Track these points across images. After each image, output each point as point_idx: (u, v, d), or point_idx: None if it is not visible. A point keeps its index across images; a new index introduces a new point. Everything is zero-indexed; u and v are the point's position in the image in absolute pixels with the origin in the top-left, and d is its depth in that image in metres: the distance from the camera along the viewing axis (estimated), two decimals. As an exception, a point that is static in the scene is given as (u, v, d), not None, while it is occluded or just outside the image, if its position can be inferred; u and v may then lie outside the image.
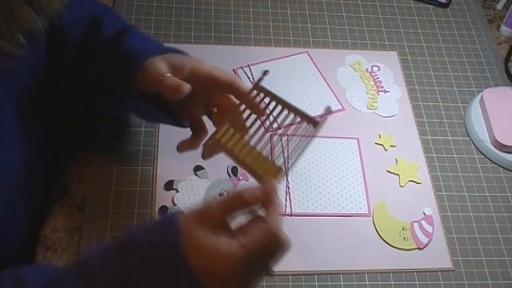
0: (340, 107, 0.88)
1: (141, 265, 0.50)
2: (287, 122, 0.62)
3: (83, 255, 0.53)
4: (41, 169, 0.71)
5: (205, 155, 0.65)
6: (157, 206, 0.74)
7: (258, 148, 0.59)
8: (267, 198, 0.53)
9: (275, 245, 0.52)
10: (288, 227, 0.75)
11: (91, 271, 0.51)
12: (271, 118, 0.64)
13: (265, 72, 0.63)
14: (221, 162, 0.79)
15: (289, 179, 0.79)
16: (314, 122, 0.61)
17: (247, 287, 0.53)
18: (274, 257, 0.53)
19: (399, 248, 0.75)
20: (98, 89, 0.69)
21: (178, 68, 0.64)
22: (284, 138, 0.82)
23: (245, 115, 0.64)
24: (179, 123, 0.70)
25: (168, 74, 0.63)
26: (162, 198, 0.75)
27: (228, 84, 0.65)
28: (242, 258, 0.50)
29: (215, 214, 0.52)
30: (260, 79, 0.62)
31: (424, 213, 0.79)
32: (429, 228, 0.77)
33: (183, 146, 0.69)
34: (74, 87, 0.71)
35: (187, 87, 0.62)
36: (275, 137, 0.83)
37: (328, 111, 0.63)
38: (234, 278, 0.50)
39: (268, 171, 0.58)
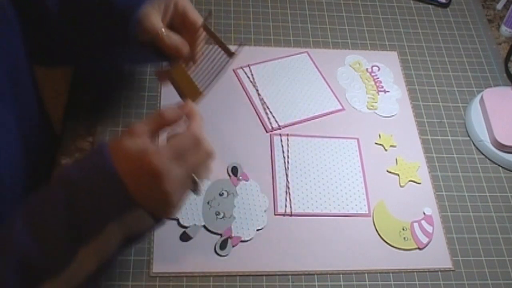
0: (340, 107, 0.88)
1: (81, 193, 0.53)
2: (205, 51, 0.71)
3: (25, 208, 0.55)
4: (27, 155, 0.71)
5: (159, 80, 0.73)
6: (157, 206, 0.74)
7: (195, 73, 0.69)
8: (188, 113, 0.59)
9: (197, 147, 0.57)
10: (288, 227, 0.75)
11: (37, 219, 0.53)
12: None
13: (210, 13, 0.73)
14: (221, 162, 0.79)
15: (289, 179, 0.79)
16: (230, 53, 0.68)
17: (174, 194, 0.55)
18: (198, 164, 0.57)
19: (399, 248, 0.75)
20: (96, 43, 0.71)
21: (166, 9, 0.69)
22: (284, 137, 0.83)
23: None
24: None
25: (164, 30, 0.68)
26: (162, 198, 0.75)
27: (191, 23, 0.70)
28: (165, 153, 0.54)
29: (140, 129, 0.56)
30: (206, 18, 0.70)
31: (424, 213, 0.79)
32: (429, 228, 0.77)
33: (159, 74, 0.73)
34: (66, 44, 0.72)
35: (186, 48, 0.69)
36: (275, 137, 0.83)
37: (241, 43, 0.70)
38: (160, 177, 0.53)
39: (191, 93, 0.67)
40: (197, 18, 0.70)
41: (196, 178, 0.57)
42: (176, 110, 0.59)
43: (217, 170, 0.78)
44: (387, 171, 0.82)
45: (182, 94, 0.68)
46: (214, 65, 0.68)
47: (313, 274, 0.72)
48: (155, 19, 0.68)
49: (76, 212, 0.53)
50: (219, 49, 0.69)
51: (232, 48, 0.92)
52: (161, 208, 0.56)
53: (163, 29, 0.68)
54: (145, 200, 0.54)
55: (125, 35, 0.67)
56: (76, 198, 0.53)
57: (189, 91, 0.67)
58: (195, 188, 0.58)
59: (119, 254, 0.57)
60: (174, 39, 0.68)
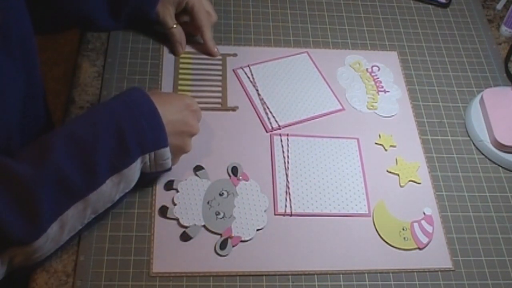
0: (340, 107, 0.88)
1: (128, 125, 0.64)
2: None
3: (68, 130, 0.64)
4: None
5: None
6: (157, 206, 0.74)
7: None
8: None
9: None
10: (288, 227, 0.75)
11: (81, 144, 0.62)
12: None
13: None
14: (221, 162, 0.79)
15: (289, 179, 0.79)
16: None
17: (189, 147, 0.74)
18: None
19: (399, 248, 0.75)
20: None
21: (179, 4, 0.86)
22: (284, 137, 0.83)
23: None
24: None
25: (175, 26, 0.87)
26: (162, 198, 0.75)
27: (197, 25, 0.88)
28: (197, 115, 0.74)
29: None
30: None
31: (424, 213, 0.79)
32: (429, 228, 0.77)
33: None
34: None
35: (184, 47, 0.90)
36: (275, 137, 0.83)
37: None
38: (192, 134, 0.73)
39: None
40: (203, 21, 0.87)
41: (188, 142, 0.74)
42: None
43: (217, 170, 0.78)
44: (387, 171, 0.82)
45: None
46: None
47: (313, 274, 0.72)
48: (169, 14, 0.86)
49: (119, 142, 0.63)
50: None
51: (231, 48, 0.94)
52: (177, 154, 0.73)
53: (174, 26, 0.87)
54: (171, 143, 0.68)
55: (142, 21, 0.87)
56: (122, 131, 0.63)
57: None
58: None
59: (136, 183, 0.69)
60: (180, 35, 0.88)
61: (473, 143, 0.88)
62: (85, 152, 0.61)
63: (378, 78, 0.93)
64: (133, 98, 0.66)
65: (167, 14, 0.86)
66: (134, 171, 0.66)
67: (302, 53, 0.94)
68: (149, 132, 0.65)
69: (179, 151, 0.72)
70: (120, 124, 0.63)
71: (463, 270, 0.75)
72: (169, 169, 0.71)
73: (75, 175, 0.60)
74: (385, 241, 0.76)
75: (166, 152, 0.68)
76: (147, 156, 0.66)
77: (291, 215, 0.76)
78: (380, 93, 0.91)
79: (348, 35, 0.98)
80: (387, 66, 0.95)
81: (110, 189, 0.64)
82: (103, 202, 0.65)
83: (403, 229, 0.77)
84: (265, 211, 0.75)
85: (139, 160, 0.65)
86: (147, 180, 0.73)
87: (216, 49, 0.90)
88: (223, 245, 0.72)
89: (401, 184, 0.81)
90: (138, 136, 0.64)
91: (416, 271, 0.74)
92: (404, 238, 0.76)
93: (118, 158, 0.63)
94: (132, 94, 0.67)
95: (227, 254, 0.71)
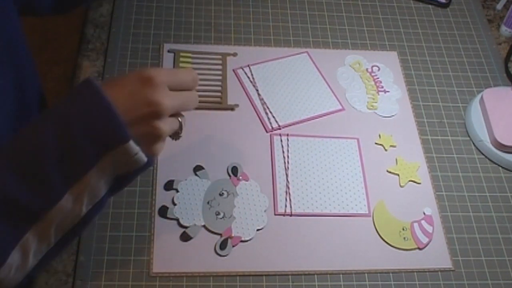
0: (340, 107, 0.88)
1: (74, 125, 0.52)
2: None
3: (10, 145, 0.54)
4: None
5: None
6: (157, 206, 0.74)
7: None
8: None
9: (193, 85, 0.59)
10: (288, 227, 0.75)
11: (24, 156, 0.52)
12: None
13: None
14: (221, 162, 0.79)
15: (289, 179, 0.79)
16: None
17: (165, 130, 0.56)
18: (189, 103, 0.59)
19: (399, 248, 0.75)
20: None
21: None
22: (284, 137, 0.83)
23: None
24: None
25: None
26: (162, 198, 0.75)
27: None
28: (164, 84, 0.55)
29: (158, 78, 0.57)
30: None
31: (424, 213, 0.79)
32: (429, 228, 0.77)
33: None
34: None
35: None
36: (275, 137, 0.83)
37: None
38: (158, 111, 0.55)
39: None
40: None
41: (181, 121, 0.59)
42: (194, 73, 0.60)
43: (217, 170, 0.78)
44: (387, 171, 0.82)
45: None
46: None
47: (313, 274, 0.72)
48: None
49: (69, 145, 0.52)
50: None
51: (231, 48, 0.93)
52: (149, 143, 0.57)
53: None
54: (136, 133, 0.54)
55: None
56: (68, 130, 0.52)
57: None
58: (178, 132, 0.59)
59: (108, 197, 0.57)
60: None
61: (473, 143, 0.88)
62: (30, 167, 0.52)
63: (378, 78, 0.93)
64: (78, 92, 0.54)
65: None
66: (96, 178, 0.54)
67: (302, 53, 0.94)
68: (101, 129, 0.53)
69: (150, 139, 0.57)
70: (66, 126, 0.52)
71: (463, 270, 0.75)
72: (149, 163, 0.58)
73: (24, 196, 0.51)
74: (385, 241, 0.76)
75: (130, 147, 0.54)
76: (108, 157, 0.54)
77: (291, 215, 0.76)
78: (380, 93, 0.91)
79: (348, 35, 0.98)
80: (387, 66, 0.95)
81: (73, 204, 0.54)
82: (68, 218, 0.55)
83: (403, 229, 0.77)
84: (265, 211, 0.75)
85: (99, 165, 0.54)
86: (129, 182, 0.60)
87: None
88: (223, 245, 0.72)
89: (401, 184, 0.81)
90: (88, 137, 0.53)
91: (416, 271, 0.74)
92: (404, 238, 0.76)
93: (72, 166, 0.53)
94: (78, 89, 0.55)
95: (227, 254, 0.71)
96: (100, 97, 0.53)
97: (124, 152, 0.54)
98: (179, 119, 0.59)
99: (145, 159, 0.56)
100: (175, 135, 0.60)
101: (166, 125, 0.56)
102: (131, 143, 0.54)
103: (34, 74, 0.74)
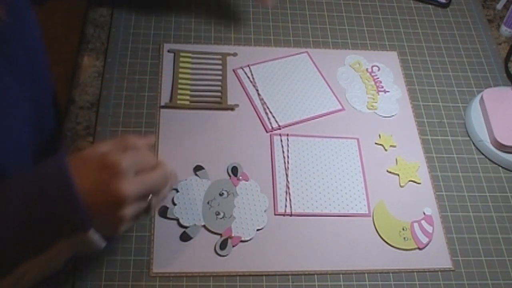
0: (340, 107, 0.88)
1: (38, 207, 0.52)
2: None
3: None
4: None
5: None
6: (157, 206, 0.74)
7: None
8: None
9: (159, 169, 0.58)
10: (288, 227, 0.75)
11: None
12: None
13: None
14: (221, 162, 0.79)
15: (289, 179, 0.79)
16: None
17: (129, 219, 0.56)
18: (157, 186, 0.58)
19: (399, 248, 0.75)
20: None
21: None
22: (284, 137, 0.83)
23: None
24: None
25: None
26: (162, 198, 0.75)
27: None
28: (129, 172, 0.54)
29: (103, 146, 0.57)
30: None
31: (424, 213, 0.79)
32: (429, 228, 0.77)
33: None
34: None
35: None
36: (275, 137, 0.83)
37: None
38: (122, 205, 0.54)
39: None
40: None
41: (150, 201, 0.58)
42: (142, 140, 0.60)
43: (217, 170, 0.78)
44: (387, 171, 0.82)
45: None
46: None
47: (313, 274, 0.72)
48: None
49: (29, 225, 0.52)
50: None
51: (231, 48, 0.93)
52: (111, 229, 0.57)
53: None
54: (98, 220, 0.54)
55: None
56: (31, 213, 0.52)
57: None
58: (147, 210, 0.58)
59: (62, 265, 0.57)
60: None
61: (473, 143, 0.88)
62: None
63: (378, 78, 0.93)
64: (47, 176, 0.53)
65: None
66: (51, 257, 0.55)
67: (302, 53, 0.94)
68: (64, 217, 0.53)
69: (112, 225, 0.56)
70: (29, 206, 0.52)
71: (463, 270, 0.75)
72: (109, 242, 0.58)
73: None
74: (385, 241, 0.76)
75: (89, 235, 0.54)
76: (66, 241, 0.54)
77: (291, 215, 0.76)
78: (380, 93, 0.91)
79: (348, 35, 0.98)
80: (387, 66, 0.95)
81: (24, 274, 0.54)
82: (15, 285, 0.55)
83: (403, 229, 0.77)
84: (265, 211, 0.75)
85: (55, 247, 0.54)
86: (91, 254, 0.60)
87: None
88: (223, 245, 0.72)
89: (401, 184, 0.81)
90: (49, 222, 0.52)
91: (416, 271, 0.74)
92: (404, 238, 0.76)
93: (28, 246, 0.53)
94: (48, 171, 0.54)
95: (227, 254, 0.71)
96: (68, 185, 0.52)
97: (82, 238, 0.55)
98: (148, 199, 0.58)
99: (103, 244, 0.57)
100: (146, 214, 0.59)
101: (130, 212, 0.56)
102: (91, 232, 0.54)
103: (49, 77, 0.74)
